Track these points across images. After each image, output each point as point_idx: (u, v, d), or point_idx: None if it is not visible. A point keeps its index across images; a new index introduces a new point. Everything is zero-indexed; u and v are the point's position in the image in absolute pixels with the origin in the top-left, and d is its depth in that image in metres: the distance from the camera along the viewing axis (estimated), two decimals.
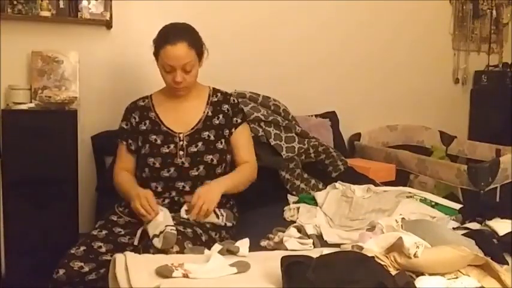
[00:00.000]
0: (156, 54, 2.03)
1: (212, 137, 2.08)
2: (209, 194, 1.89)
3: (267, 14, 3.25)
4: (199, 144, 2.05)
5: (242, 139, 2.16)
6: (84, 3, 2.68)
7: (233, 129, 2.13)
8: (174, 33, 2.00)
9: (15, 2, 2.58)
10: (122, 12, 2.83)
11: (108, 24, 2.79)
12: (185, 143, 2.04)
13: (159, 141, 2.05)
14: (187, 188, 2.03)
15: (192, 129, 2.07)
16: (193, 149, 2.04)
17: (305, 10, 3.37)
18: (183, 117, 2.10)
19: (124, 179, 2.07)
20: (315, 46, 3.44)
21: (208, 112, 2.11)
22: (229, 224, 1.99)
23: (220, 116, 2.12)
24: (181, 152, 2.03)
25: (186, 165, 2.02)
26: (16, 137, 2.42)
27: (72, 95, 2.63)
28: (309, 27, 3.40)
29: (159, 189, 2.03)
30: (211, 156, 2.05)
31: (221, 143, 2.09)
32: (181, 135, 2.05)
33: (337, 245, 1.78)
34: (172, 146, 2.04)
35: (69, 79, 2.68)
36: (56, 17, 2.65)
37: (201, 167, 2.03)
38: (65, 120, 2.51)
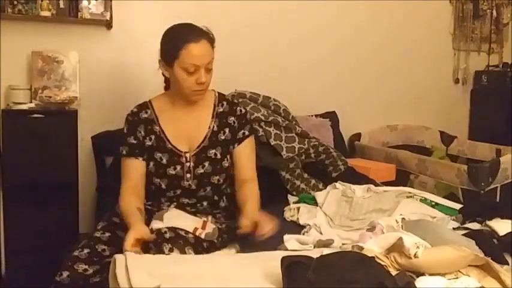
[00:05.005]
0: (173, 57, 1.85)
1: (219, 155, 1.96)
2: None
3: (267, 13, 3.25)
4: (206, 164, 1.94)
5: (246, 154, 2.01)
6: (84, 3, 2.68)
7: (236, 144, 2.00)
8: (194, 31, 1.87)
9: (15, 2, 2.58)
10: (122, 12, 2.83)
11: (108, 24, 2.79)
12: (192, 164, 1.94)
13: (164, 161, 1.94)
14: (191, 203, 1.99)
15: (198, 147, 1.95)
16: (200, 170, 1.94)
17: (305, 10, 3.37)
18: (188, 132, 1.97)
19: (129, 208, 1.83)
20: (315, 46, 3.44)
21: (214, 127, 1.98)
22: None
23: (227, 130, 1.99)
24: (188, 175, 1.93)
25: (193, 187, 1.95)
26: (16, 136, 2.43)
27: (72, 95, 2.63)
28: (308, 27, 3.40)
29: (164, 203, 1.98)
30: (217, 177, 1.96)
31: (227, 160, 1.99)
32: (187, 154, 1.94)
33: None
34: (178, 167, 1.93)
35: (69, 79, 2.68)
36: (56, 17, 2.66)
37: (208, 188, 1.97)
38: (65, 120, 2.52)
